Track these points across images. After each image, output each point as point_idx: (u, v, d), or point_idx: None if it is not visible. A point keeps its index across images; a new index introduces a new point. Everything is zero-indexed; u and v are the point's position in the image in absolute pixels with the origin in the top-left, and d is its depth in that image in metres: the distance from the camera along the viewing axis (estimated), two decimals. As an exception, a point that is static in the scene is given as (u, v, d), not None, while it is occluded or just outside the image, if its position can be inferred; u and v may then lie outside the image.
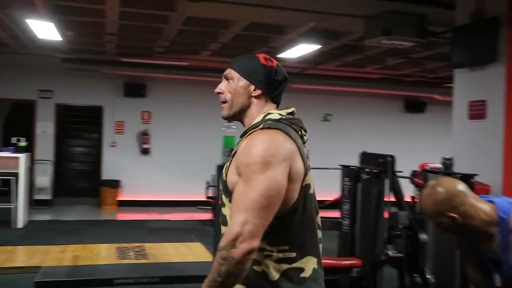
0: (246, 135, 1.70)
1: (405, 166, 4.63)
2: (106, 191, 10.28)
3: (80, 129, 12.23)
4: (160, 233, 8.02)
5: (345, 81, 10.70)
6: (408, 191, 4.21)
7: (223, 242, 1.56)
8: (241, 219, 1.55)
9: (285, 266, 1.65)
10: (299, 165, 1.65)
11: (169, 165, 10.73)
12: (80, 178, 11.83)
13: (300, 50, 7.90)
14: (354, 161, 5.14)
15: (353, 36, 7.27)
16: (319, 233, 1.77)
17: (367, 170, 4.41)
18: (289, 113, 1.77)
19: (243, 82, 1.77)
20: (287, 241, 1.65)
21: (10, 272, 5.44)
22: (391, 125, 12.13)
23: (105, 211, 10.04)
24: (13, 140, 8.04)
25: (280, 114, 1.74)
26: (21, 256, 6.12)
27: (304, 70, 10.41)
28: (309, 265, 1.68)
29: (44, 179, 9.93)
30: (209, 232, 8.11)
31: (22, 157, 7.75)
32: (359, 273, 4.11)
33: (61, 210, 9.85)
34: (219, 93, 1.81)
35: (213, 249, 6.16)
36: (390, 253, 3.71)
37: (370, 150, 5.16)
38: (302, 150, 1.69)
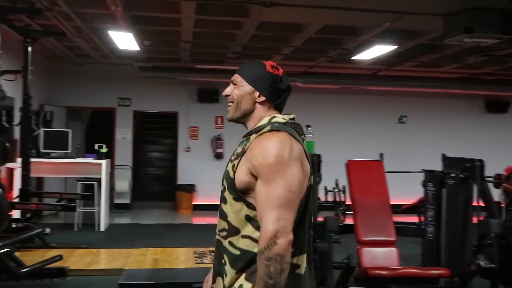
0: (255, 136, 1.76)
1: (487, 170, 4.39)
2: (181, 195, 10.51)
3: (156, 134, 12.59)
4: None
5: (421, 82, 10.36)
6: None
7: (261, 243, 1.62)
8: (274, 217, 1.62)
9: None
10: (307, 165, 1.75)
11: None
12: (157, 183, 12.17)
13: (374, 52, 7.72)
14: (431, 165, 4.94)
15: (431, 35, 7.01)
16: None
17: (453, 175, 4.21)
18: (291, 119, 1.84)
19: (248, 87, 1.84)
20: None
21: (95, 274, 5.66)
22: (470, 126, 11.59)
23: (181, 215, 10.26)
24: (96, 146, 8.37)
25: (284, 119, 1.82)
26: (105, 258, 6.36)
27: (377, 72, 10.18)
28: (303, 263, 1.76)
29: (124, 184, 10.29)
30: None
31: (104, 163, 8.06)
32: (447, 284, 3.92)
33: (140, 213, 10.18)
34: (226, 95, 1.90)
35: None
36: (482, 263, 3.52)
37: (448, 153, 4.94)
38: (307, 152, 1.78)
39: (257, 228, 1.70)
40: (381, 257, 4.09)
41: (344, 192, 8.76)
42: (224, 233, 1.80)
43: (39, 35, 6.38)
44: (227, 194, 1.80)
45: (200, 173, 10.70)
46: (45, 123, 8.33)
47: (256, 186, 1.70)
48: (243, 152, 1.77)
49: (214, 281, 1.87)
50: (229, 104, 1.90)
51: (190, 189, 10.53)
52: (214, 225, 1.95)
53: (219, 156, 10.82)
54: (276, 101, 1.85)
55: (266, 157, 1.67)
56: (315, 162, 4.06)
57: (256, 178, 1.71)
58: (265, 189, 1.67)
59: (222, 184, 1.85)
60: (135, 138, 11.06)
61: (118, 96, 10.56)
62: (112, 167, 9.78)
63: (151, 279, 5.32)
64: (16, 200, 6.36)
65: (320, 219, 4.10)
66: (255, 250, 1.68)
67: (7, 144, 5.61)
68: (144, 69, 9.74)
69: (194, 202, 10.60)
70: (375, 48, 7.44)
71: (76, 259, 6.01)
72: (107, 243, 7.18)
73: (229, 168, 1.80)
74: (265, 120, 1.82)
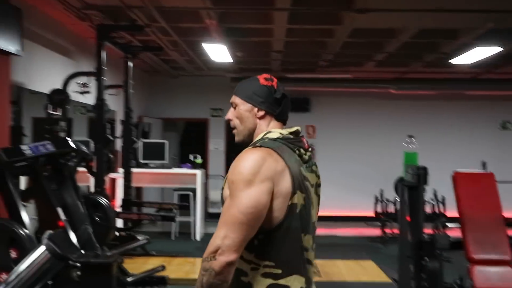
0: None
1: None
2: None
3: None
4: (329, 249, 7.91)
5: (527, 85, 9.68)
6: None
7: (205, 253, 1.65)
8: (222, 234, 1.64)
9: (269, 281, 1.71)
10: (285, 184, 1.69)
11: (335, 179, 10.61)
12: (248, 192, 12.25)
13: (475, 54, 7.30)
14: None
15: (540, 35, 6.52)
16: (308, 254, 1.78)
17: None
18: (291, 132, 1.82)
19: (246, 106, 1.84)
20: (272, 257, 1.71)
21: (192, 284, 5.74)
22: None
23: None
24: (190, 157, 8.59)
25: (281, 133, 1.79)
26: (202, 267, 6.46)
27: (478, 75, 9.63)
28: (295, 283, 1.72)
29: (217, 194, 10.46)
30: (380, 249, 7.84)
31: (199, 173, 8.24)
32: None
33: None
34: (228, 120, 1.89)
35: (388, 268, 5.90)
36: None
37: None
38: (293, 170, 1.72)
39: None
40: (496, 277, 3.80)
41: (444, 203, 8.40)
42: None
43: (139, 51, 6.66)
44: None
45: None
46: (143, 135, 8.68)
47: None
48: None
49: None
50: (233, 127, 1.90)
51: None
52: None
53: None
54: (275, 111, 1.84)
55: (233, 173, 1.70)
56: (421, 175, 3.84)
57: None
58: (226, 205, 1.70)
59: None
60: (228, 149, 11.24)
61: (210, 107, 10.80)
62: (206, 177, 9.99)
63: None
64: (119, 209, 6.65)
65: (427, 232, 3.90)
66: (242, 267, 1.71)
67: (111, 156, 5.88)
68: (236, 80, 9.86)
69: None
70: (476, 50, 7.04)
71: (175, 268, 6.15)
72: (203, 252, 7.27)
73: (223, 182, 1.82)
74: (260, 136, 1.82)
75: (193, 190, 8.29)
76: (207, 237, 8.60)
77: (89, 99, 6.73)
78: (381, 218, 8.28)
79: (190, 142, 11.88)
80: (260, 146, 1.73)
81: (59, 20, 6.17)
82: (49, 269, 1.43)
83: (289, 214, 1.71)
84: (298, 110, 10.63)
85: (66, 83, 5.76)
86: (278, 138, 1.78)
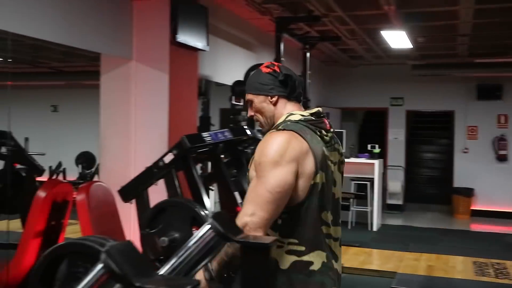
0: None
1: None
2: (458, 199, 9.85)
3: (430, 135, 12.09)
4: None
5: None
6: None
7: None
8: (250, 211, 1.73)
9: (294, 258, 1.79)
10: (308, 165, 1.77)
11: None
12: (430, 185, 11.67)
13: None
14: None
15: None
16: (331, 230, 1.86)
17: None
18: (312, 113, 1.89)
19: (259, 98, 1.93)
20: (296, 235, 1.79)
21: (368, 274, 5.69)
22: None
23: (457, 221, 9.61)
24: (368, 147, 8.45)
25: (302, 115, 1.87)
26: (377, 259, 6.35)
27: None
28: (317, 259, 1.80)
29: (396, 185, 10.16)
30: None
31: (377, 163, 8.07)
32: None
33: (412, 216, 9.90)
34: (251, 117, 2.00)
35: None
36: None
37: None
38: (315, 151, 1.79)
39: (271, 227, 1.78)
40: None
41: None
42: None
43: (317, 41, 6.73)
44: None
45: (480, 176, 9.85)
46: (321, 124, 8.76)
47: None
48: None
49: None
50: (257, 122, 2.00)
51: (468, 193, 9.79)
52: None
53: (502, 158, 9.79)
54: (286, 92, 1.91)
55: (260, 155, 1.78)
56: None
57: None
58: (253, 184, 1.79)
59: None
60: (408, 139, 10.81)
61: (390, 96, 10.48)
62: (384, 168, 9.75)
63: (426, 287, 5.09)
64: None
65: None
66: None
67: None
68: (417, 67, 9.43)
69: (473, 208, 9.81)
70: None
71: (350, 257, 6.14)
72: (379, 243, 7.16)
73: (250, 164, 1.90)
74: (282, 118, 1.90)
75: (371, 180, 8.16)
76: (384, 228, 8.43)
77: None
78: None
79: (369, 132, 11.69)
80: (284, 129, 1.80)
81: (241, 15, 6.52)
82: (212, 247, 1.53)
83: (311, 193, 1.79)
84: (488, 98, 9.76)
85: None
86: (300, 120, 1.85)
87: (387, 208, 9.98)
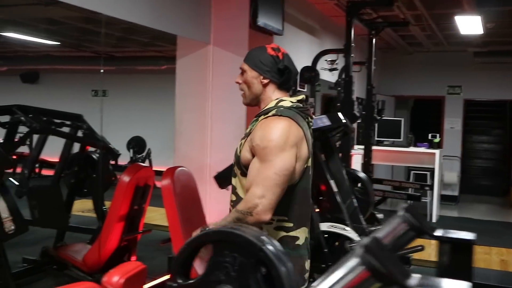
0: (261, 118, 1.92)
1: None
2: (516, 192, 9.55)
3: (485, 124, 11.74)
4: None
5: None
6: None
7: (241, 206, 1.82)
8: (259, 193, 1.79)
9: (282, 233, 1.92)
10: (304, 150, 1.90)
11: None
12: (485, 176, 11.36)
13: None
14: None
15: None
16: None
17: None
18: (299, 100, 1.98)
19: (253, 73, 1.98)
20: (286, 213, 1.91)
21: (433, 266, 5.52)
22: None
23: (516, 213, 9.32)
24: (429, 136, 8.23)
25: (291, 102, 1.95)
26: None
27: None
28: (303, 234, 1.96)
29: (452, 175, 9.91)
30: None
31: (437, 153, 7.86)
32: None
33: (468, 207, 9.65)
34: (238, 83, 2.04)
35: None
36: None
37: None
38: (307, 136, 1.93)
39: None
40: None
41: None
42: (232, 204, 1.98)
43: (385, 27, 6.54)
44: (235, 169, 1.98)
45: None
46: (377, 112, 8.57)
47: (251, 163, 1.87)
48: (249, 132, 1.93)
49: None
50: (241, 91, 2.04)
51: (527, 185, 9.49)
52: None
53: None
54: (279, 81, 1.97)
55: (264, 140, 1.83)
56: None
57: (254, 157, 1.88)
58: (257, 167, 1.84)
59: (234, 159, 2.00)
60: (464, 128, 10.51)
61: (447, 84, 10.18)
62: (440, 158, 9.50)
63: (504, 282, 4.92)
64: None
65: None
66: None
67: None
68: (479, 55, 9.11)
69: (532, 200, 9.51)
70: None
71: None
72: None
73: (238, 145, 1.97)
74: (272, 103, 1.96)
75: (431, 170, 7.95)
76: (442, 219, 8.22)
77: (328, 76, 6.87)
78: None
79: (422, 121, 11.41)
80: (281, 115, 1.87)
81: (309, 0, 6.38)
82: (405, 242, 1.43)
83: (303, 175, 1.92)
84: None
85: (316, 60, 5.95)
86: (292, 107, 1.93)
87: (442, 199, 9.73)
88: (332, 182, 3.20)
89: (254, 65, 1.99)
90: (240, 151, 1.95)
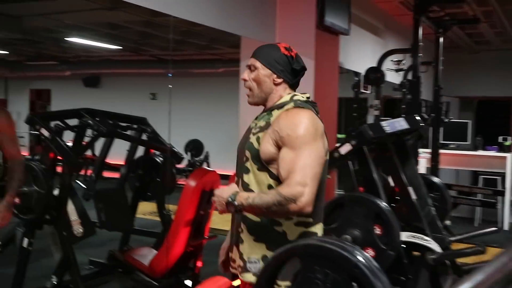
0: (279, 111, 1.89)
1: None
2: None
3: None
4: None
5: None
6: None
7: (285, 191, 1.73)
8: (302, 180, 1.72)
9: (301, 229, 1.87)
10: (326, 142, 1.89)
11: None
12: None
13: None
14: None
15: None
16: None
17: None
18: (307, 97, 1.96)
19: (266, 71, 1.93)
20: None
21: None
22: None
23: None
24: (499, 139, 7.83)
25: (302, 97, 1.94)
26: None
27: None
28: (320, 230, 1.94)
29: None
30: None
31: (509, 156, 7.45)
32: None
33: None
34: (244, 80, 1.97)
35: None
36: None
37: None
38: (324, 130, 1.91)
39: None
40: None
41: None
42: None
43: (454, 24, 6.25)
44: (250, 164, 1.91)
45: None
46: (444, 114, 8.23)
47: (281, 153, 1.80)
48: (267, 125, 1.88)
49: (231, 250, 2.01)
50: (248, 89, 1.98)
51: None
52: None
53: None
54: (292, 81, 1.95)
55: (295, 130, 1.79)
56: None
57: (279, 149, 1.82)
58: (292, 155, 1.77)
59: (244, 155, 1.93)
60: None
61: (515, 84, 9.68)
62: None
63: None
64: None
65: None
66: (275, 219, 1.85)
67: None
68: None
69: None
70: None
71: (474, 257, 5.67)
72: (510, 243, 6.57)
73: (253, 140, 1.90)
74: (286, 98, 1.93)
75: (501, 175, 7.54)
76: (514, 227, 7.78)
77: (390, 77, 6.61)
78: None
79: (488, 123, 10.90)
80: (303, 107, 1.86)
81: (372, -1, 6.18)
82: None
83: (324, 169, 1.85)
84: None
85: (381, 61, 5.75)
86: (307, 101, 1.93)
87: None
88: (410, 189, 3.02)
89: (268, 63, 1.93)
90: (259, 144, 1.88)
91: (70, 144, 3.83)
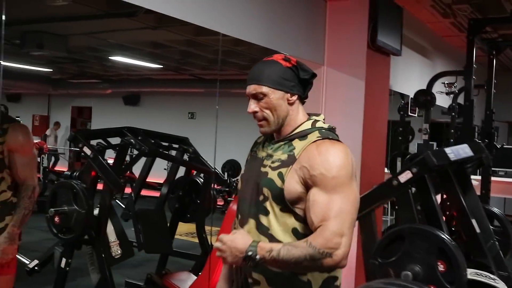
0: (303, 143, 1.67)
1: None
2: None
3: None
4: None
5: None
6: None
7: (320, 243, 1.52)
8: (339, 230, 1.53)
9: (325, 275, 1.69)
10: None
11: None
12: None
13: None
14: None
15: None
16: None
17: None
18: (323, 119, 1.77)
19: (277, 93, 1.69)
20: None
21: None
22: None
23: None
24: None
25: (322, 122, 1.75)
26: None
27: None
28: (340, 274, 1.75)
29: None
30: None
31: None
32: None
33: None
34: (254, 113, 1.72)
35: None
36: None
37: None
38: None
39: None
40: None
41: None
42: None
43: (507, 46, 5.99)
44: (269, 204, 1.67)
45: None
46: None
47: (312, 195, 1.60)
48: (291, 160, 1.65)
49: None
50: (260, 120, 1.72)
51: None
52: None
53: None
54: (304, 93, 1.74)
55: (329, 169, 1.59)
56: None
57: (307, 189, 1.62)
58: (328, 198, 1.57)
59: (261, 194, 1.68)
60: None
61: None
62: None
63: None
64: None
65: None
66: None
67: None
68: None
69: None
70: None
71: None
72: None
73: (273, 176, 1.66)
74: (307, 124, 1.73)
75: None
76: None
77: (439, 101, 6.33)
78: None
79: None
80: (335, 139, 1.67)
81: (420, 18, 5.97)
82: None
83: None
84: None
85: (431, 83, 5.52)
86: (330, 128, 1.74)
87: None
88: (474, 222, 2.78)
89: (277, 84, 1.68)
90: (283, 182, 1.63)
91: (110, 161, 3.74)
